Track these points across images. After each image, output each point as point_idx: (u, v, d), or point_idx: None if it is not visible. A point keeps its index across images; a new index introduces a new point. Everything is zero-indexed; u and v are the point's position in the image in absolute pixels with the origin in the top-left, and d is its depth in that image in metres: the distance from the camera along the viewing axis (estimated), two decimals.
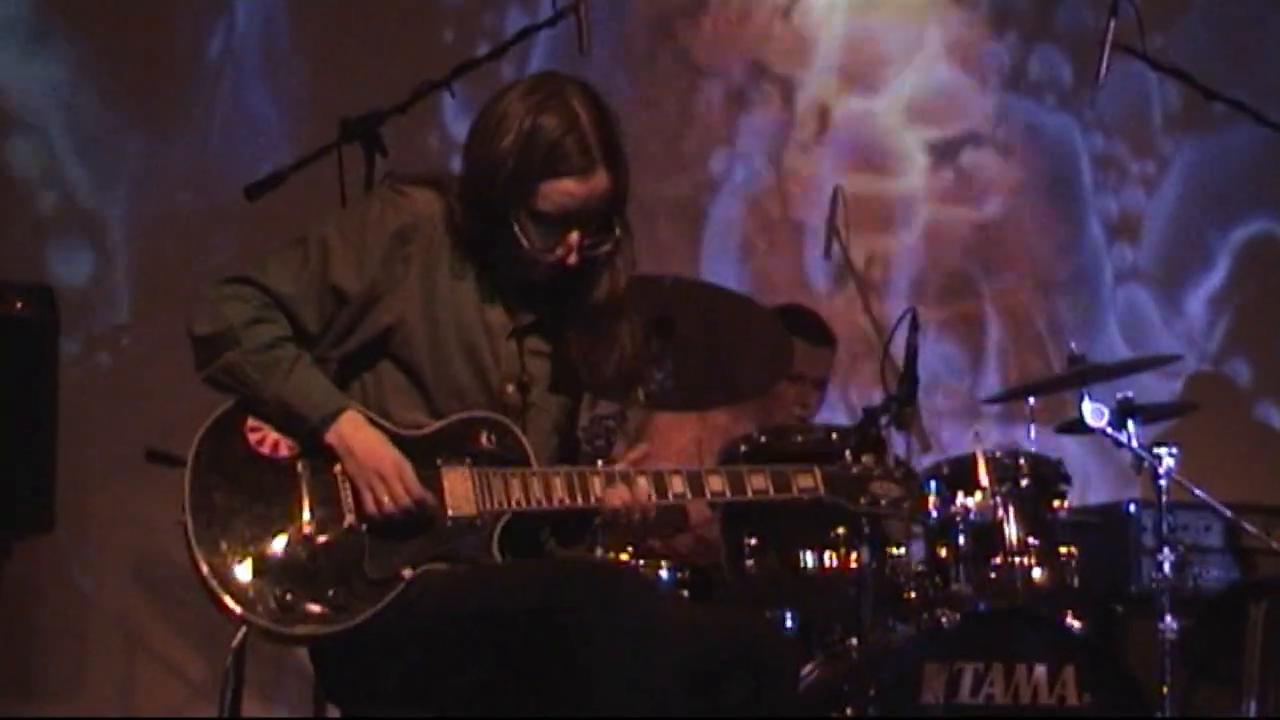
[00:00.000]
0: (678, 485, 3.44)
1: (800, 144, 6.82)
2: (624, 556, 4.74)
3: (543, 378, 3.45)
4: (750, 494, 3.50)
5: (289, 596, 3.21)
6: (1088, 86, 4.50)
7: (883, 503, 3.62)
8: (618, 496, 3.36)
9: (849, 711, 4.43)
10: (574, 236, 3.32)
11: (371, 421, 3.31)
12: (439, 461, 3.32)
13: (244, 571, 3.20)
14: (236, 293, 3.30)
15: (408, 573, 3.25)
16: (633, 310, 3.47)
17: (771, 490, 3.51)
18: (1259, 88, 4.76)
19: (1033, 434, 5.13)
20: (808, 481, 3.54)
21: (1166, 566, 4.92)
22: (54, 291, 5.01)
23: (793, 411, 5.38)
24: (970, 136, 6.99)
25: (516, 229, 3.30)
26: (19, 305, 4.90)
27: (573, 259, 3.34)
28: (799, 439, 4.70)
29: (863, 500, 3.61)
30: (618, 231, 3.37)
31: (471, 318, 3.37)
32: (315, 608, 3.22)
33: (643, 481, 3.38)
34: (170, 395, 5.77)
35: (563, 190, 3.29)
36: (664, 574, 4.90)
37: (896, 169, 6.93)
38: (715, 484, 3.48)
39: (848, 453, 3.70)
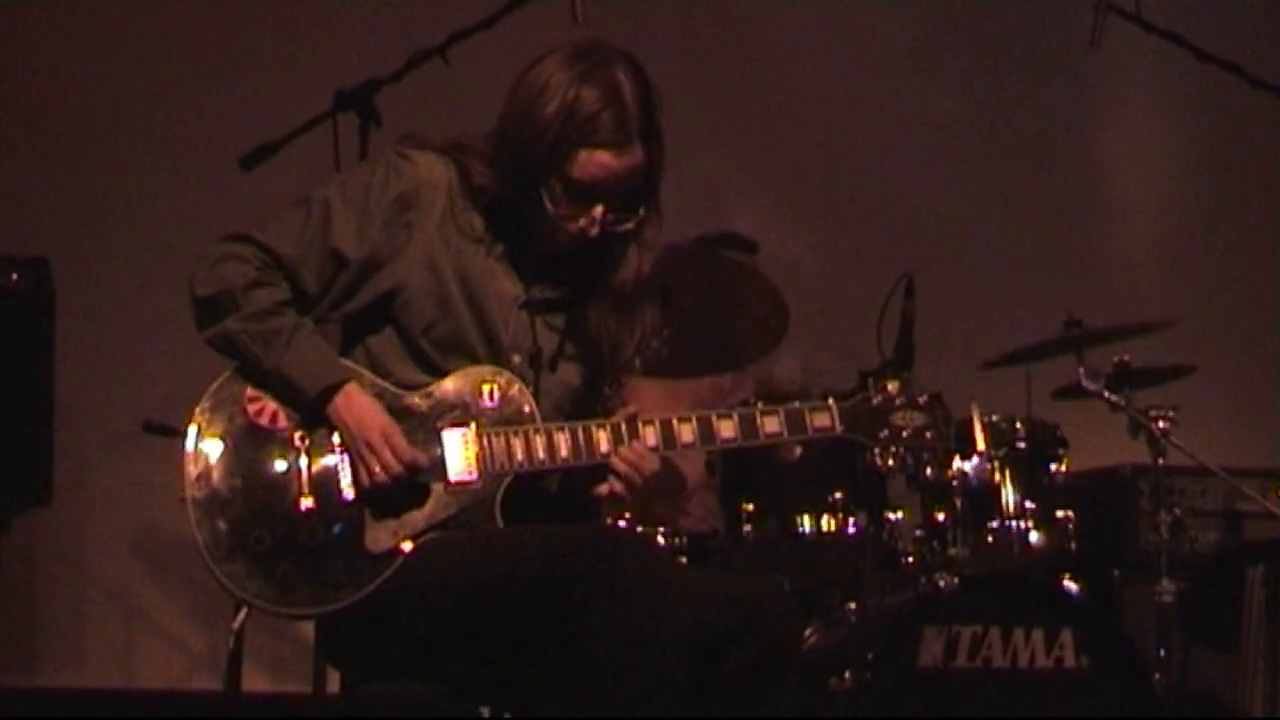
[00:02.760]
0: (687, 435, 3.38)
1: None
2: (622, 523, 4.75)
3: (553, 355, 3.43)
4: (763, 437, 3.41)
5: (289, 574, 3.20)
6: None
7: (905, 434, 3.49)
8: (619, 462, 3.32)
9: (847, 675, 4.44)
10: (599, 210, 3.31)
11: (373, 386, 3.31)
12: (440, 424, 3.31)
13: (244, 550, 3.20)
14: (237, 252, 3.29)
15: (408, 546, 3.25)
16: (654, 289, 3.46)
17: (786, 431, 3.42)
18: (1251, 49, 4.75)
19: (1030, 398, 5.14)
20: (824, 420, 3.44)
21: (1163, 530, 4.95)
22: (49, 263, 5.01)
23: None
24: None
25: (544, 193, 3.28)
26: (15, 277, 4.90)
27: (594, 231, 3.32)
28: (795, 404, 4.69)
29: (883, 434, 3.48)
30: (642, 210, 3.36)
31: (482, 281, 3.36)
32: (315, 584, 3.22)
33: (650, 433, 3.35)
34: (167, 366, 5.78)
35: (598, 162, 3.27)
36: (661, 540, 4.91)
37: None
38: (726, 430, 3.40)
39: (870, 382, 3.51)
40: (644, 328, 3.45)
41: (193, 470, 3.23)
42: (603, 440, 3.33)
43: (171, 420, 5.11)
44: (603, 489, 3.37)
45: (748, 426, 3.41)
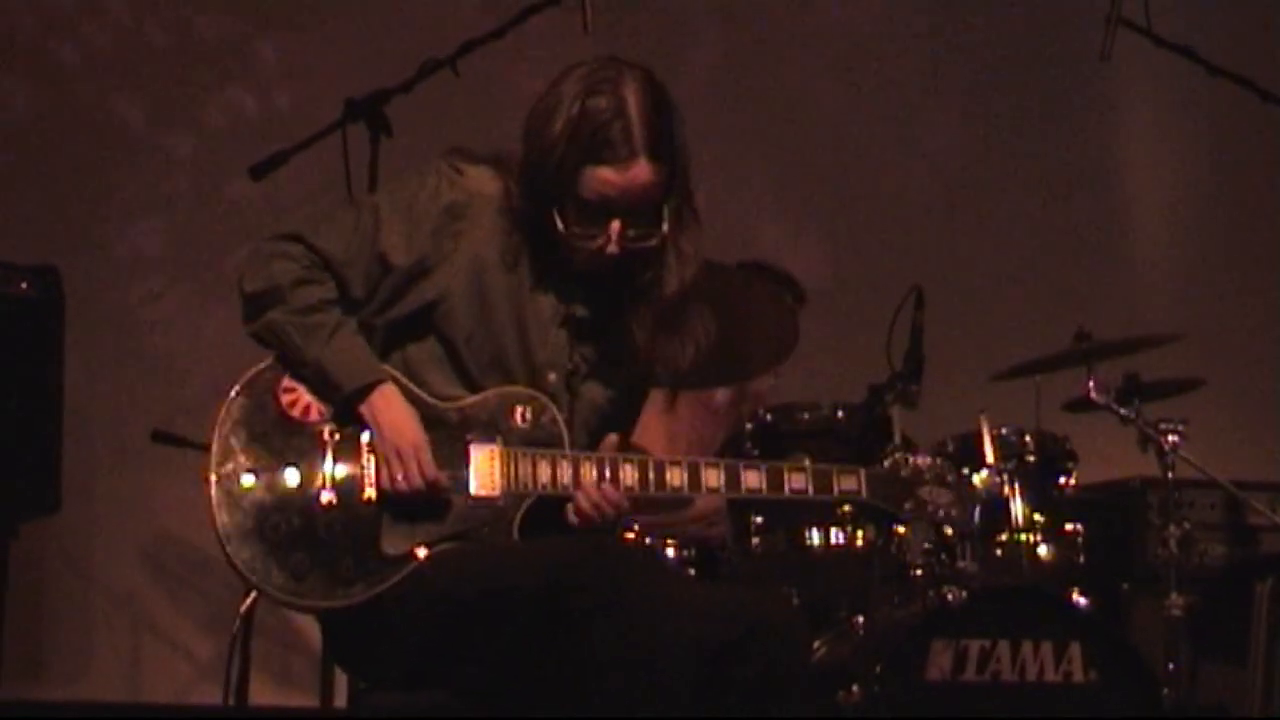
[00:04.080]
0: (713, 479, 3.40)
1: None
2: (630, 536, 4.74)
3: (589, 374, 3.43)
4: (788, 492, 3.44)
5: (301, 563, 3.21)
6: None
7: (929, 509, 3.52)
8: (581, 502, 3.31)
9: (855, 688, 4.43)
10: (615, 226, 3.28)
11: (408, 393, 3.31)
12: (469, 438, 3.31)
13: (259, 535, 3.21)
14: (286, 251, 3.30)
15: (422, 552, 3.25)
16: (702, 299, 3.44)
17: (811, 490, 3.45)
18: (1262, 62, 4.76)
19: (1039, 411, 5.13)
20: (850, 483, 3.48)
21: (1172, 543, 4.94)
22: (59, 272, 5.01)
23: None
24: None
25: (556, 214, 3.27)
26: (24, 286, 4.91)
27: (613, 248, 3.30)
28: (805, 416, 4.70)
29: (908, 505, 3.52)
30: (665, 226, 3.32)
31: (523, 298, 3.36)
32: (326, 578, 3.22)
33: (675, 474, 3.35)
34: (176, 376, 5.81)
35: (601, 178, 3.25)
36: (669, 553, 4.90)
37: None
38: (752, 480, 3.43)
39: (904, 457, 3.53)
40: (697, 339, 3.43)
41: (219, 452, 3.24)
42: (628, 474, 3.34)
43: (180, 430, 5.13)
44: (569, 513, 3.34)
45: (774, 479, 3.44)
